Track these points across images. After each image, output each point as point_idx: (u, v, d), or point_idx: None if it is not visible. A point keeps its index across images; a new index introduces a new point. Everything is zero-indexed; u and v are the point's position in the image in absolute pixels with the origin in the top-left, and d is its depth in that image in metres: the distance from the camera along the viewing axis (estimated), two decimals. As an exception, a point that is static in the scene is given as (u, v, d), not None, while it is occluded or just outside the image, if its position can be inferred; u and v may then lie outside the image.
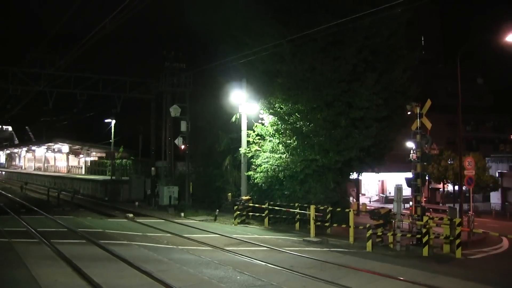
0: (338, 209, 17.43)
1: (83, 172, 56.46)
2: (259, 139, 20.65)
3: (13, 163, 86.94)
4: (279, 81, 18.63)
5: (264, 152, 19.90)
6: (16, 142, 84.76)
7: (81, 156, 61.60)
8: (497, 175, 41.75)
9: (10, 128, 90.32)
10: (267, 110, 19.53)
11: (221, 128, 24.68)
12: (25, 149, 77.97)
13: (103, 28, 13.66)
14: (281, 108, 18.73)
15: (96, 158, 56.53)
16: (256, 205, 19.80)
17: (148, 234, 15.43)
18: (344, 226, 16.47)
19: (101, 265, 10.12)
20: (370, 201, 44.54)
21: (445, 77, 51.20)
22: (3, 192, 37.88)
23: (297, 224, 18.58)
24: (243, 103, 20.84)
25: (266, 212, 19.26)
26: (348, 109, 17.81)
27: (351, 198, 29.18)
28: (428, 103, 15.79)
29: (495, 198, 41.97)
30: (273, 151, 19.45)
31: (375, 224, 15.00)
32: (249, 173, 20.68)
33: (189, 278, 9.34)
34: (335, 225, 17.24)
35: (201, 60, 26.53)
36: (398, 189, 15.37)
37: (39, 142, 68.57)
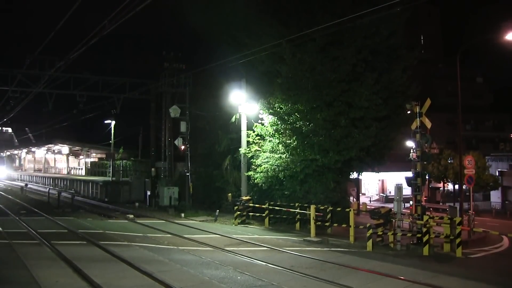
0: (338, 209, 17.45)
1: (83, 173, 56.46)
2: (259, 139, 20.65)
3: (13, 164, 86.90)
4: (278, 81, 18.64)
5: (264, 152, 19.91)
6: (16, 143, 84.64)
7: (81, 157, 61.60)
8: (497, 174, 41.74)
9: (10, 130, 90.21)
10: (266, 110, 19.52)
11: (221, 128, 24.70)
12: (25, 150, 77.94)
13: (103, 29, 13.63)
14: (281, 108, 18.73)
15: (96, 159, 56.53)
16: (256, 205, 19.80)
17: (148, 235, 15.43)
18: (344, 225, 16.47)
19: (101, 266, 10.12)
20: (370, 201, 44.50)
21: (444, 77, 51.25)
22: (3, 193, 37.85)
23: (298, 224, 18.58)
24: (243, 103, 20.85)
25: (266, 212, 19.27)
26: (348, 109, 17.81)
27: (351, 198, 29.14)
28: (428, 102, 15.79)
29: (495, 197, 41.95)
30: (273, 151, 19.45)
31: (375, 223, 15.02)
32: (249, 173, 20.68)
33: (190, 278, 9.35)
34: (335, 225, 17.25)
35: (201, 61, 26.62)
36: (398, 188, 15.37)
37: (39, 143, 68.55)
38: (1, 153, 70.68)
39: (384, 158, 21.34)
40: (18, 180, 62.41)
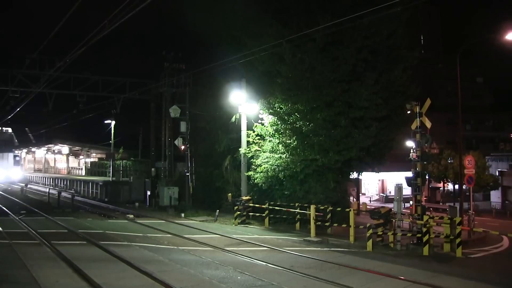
0: (339, 209, 17.44)
1: (83, 173, 56.49)
2: (259, 139, 20.66)
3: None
4: (278, 81, 18.64)
5: (264, 152, 19.91)
6: (16, 143, 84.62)
7: (81, 157, 61.66)
8: (497, 174, 41.75)
9: (10, 130, 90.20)
10: (266, 110, 19.53)
11: (221, 128, 24.70)
12: (25, 150, 77.90)
13: (103, 29, 13.63)
14: (281, 108, 18.73)
15: (96, 159, 56.59)
16: (256, 205, 19.80)
17: (148, 235, 15.43)
18: (344, 225, 16.47)
19: (101, 266, 10.12)
20: (370, 201, 44.55)
21: (444, 77, 51.30)
22: (3, 193, 37.86)
23: (298, 224, 18.58)
24: (243, 103, 20.85)
25: (267, 212, 19.27)
26: (348, 109, 17.81)
27: (351, 198, 29.18)
28: (428, 102, 15.80)
29: (495, 197, 41.97)
30: (273, 151, 19.45)
31: (375, 223, 15.01)
32: (249, 173, 20.68)
33: (190, 278, 9.34)
34: (335, 224, 17.25)
35: (201, 61, 26.60)
36: (398, 188, 15.38)
37: (39, 143, 68.57)
38: (16, 152, 61.59)
39: (384, 158, 21.34)
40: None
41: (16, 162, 57.05)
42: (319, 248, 14.22)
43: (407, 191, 16.70)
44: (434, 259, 13.11)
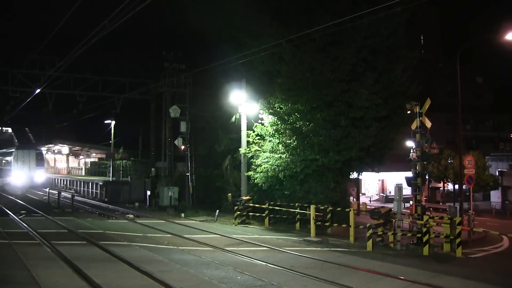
0: (339, 209, 17.45)
1: (83, 173, 56.52)
2: (259, 139, 20.65)
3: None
4: (278, 81, 18.64)
5: (264, 152, 19.90)
6: (16, 143, 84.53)
7: (81, 157, 61.67)
8: (497, 174, 41.75)
9: (9, 130, 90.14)
10: (266, 110, 19.52)
11: (221, 128, 24.72)
12: (25, 150, 77.78)
13: (103, 29, 13.64)
14: (281, 108, 18.73)
15: (96, 159, 56.61)
16: (256, 205, 19.80)
17: (148, 235, 15.43)
18: (344, 225, 16.48)
19: (101, 266, 10.12)
20: (370, 201, 44.53)
21: (444, 77, 51.27)
22: (3, 193, 37.85)
23: (298, 224, 18.58)
24: (243, 103, 20.85)
25: (266, 212, 19.27)
26: (348, 109, 17.81)
27: (351, 198, 29.16)
28: (428, 102, 15.80)
29: (495, 197, 41.96)
30: (273, 151, 19.45)
31: (375, 223, 15.01)
32: (249, 173, 20.68)
33: (190, 278, 9.34)
34: (335, 224, 17.25)
35: (201, 61, 26.64)
36: (399, 188, 15.38)
37: (39, 143, 68.53)
38: (40, 149, 48.30)
39: (384, 158, 21.31)
40: None
41: (40, 162, 44.00)
42: (319, 248, 14.22)
43: (407, 191, 16.70)
44: (434, 259, 13.11)
